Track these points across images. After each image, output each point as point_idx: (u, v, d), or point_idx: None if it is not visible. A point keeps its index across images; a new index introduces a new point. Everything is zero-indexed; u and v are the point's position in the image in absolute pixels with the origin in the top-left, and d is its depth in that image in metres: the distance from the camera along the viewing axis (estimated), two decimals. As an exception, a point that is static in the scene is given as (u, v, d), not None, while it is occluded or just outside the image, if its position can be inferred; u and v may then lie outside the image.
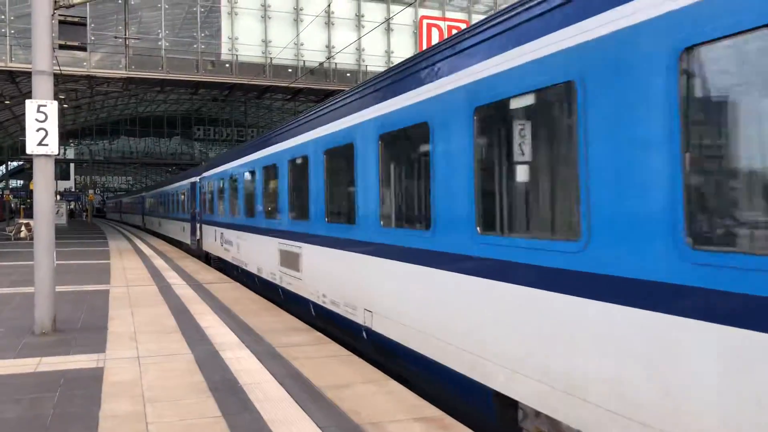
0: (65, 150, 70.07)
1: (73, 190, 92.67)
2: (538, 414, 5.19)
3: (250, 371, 7.38)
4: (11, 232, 35.66)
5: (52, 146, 9.58)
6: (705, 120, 3.88)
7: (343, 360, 7.91)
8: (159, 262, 21.34)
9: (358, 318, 8.50)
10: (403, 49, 36.60)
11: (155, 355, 8.20)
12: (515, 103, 5.46)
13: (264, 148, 14.12)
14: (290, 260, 11.79)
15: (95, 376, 7.19)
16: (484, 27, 5.92)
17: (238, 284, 15.62)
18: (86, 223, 65.49)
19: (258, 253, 14.67)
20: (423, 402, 6.23)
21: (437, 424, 5.60)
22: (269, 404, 6.16)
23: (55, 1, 9.82)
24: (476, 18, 35.97)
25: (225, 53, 34.78)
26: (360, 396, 6.41)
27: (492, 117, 5.78)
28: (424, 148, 6.80)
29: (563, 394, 4.62)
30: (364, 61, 36.58)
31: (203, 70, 34.85)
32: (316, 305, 10.47)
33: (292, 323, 10.39)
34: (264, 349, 8.53)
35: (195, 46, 34.83)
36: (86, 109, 58.90)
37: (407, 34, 37.17)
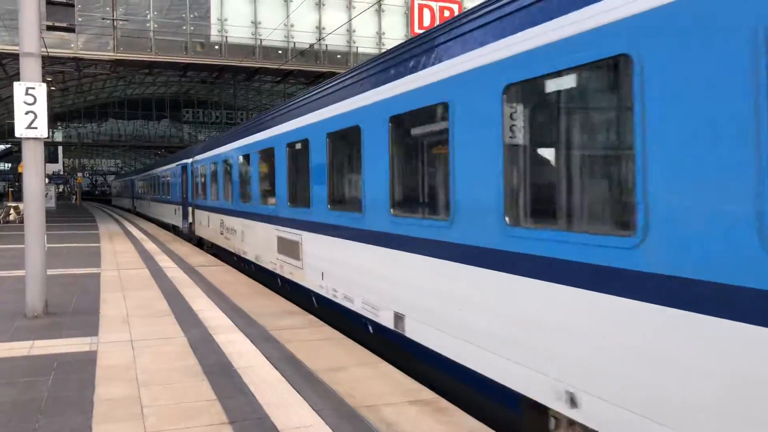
0: (53, 133, 69.46)
1: (61, 173, 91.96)
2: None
3: (244, 354, 7.39)
4: (0, 215, 35.40)
5: (42, 129, 9.48)
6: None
7: (337, 343, 7.93)
8: (150, 246, 21.26)
9: None
10: (395, 31, 36.38)
11: (148, 338, 8.18)
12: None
13: None
14: None
15: (89, 360, 7.17)
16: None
17: (229, 267, 15.58)
18: (75, 206, 65.09)
19: None
20: (418, 385, 6.26)
21: (432, 407, 5.63)
22: (264, 387, 6.17)
23: (43, -19, 9.68)
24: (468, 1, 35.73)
25: (214, 35, 34.48)
26: (355, 379, 6.44)
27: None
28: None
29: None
30: (355, 42, 36.35)
31: (192, 52, 34.55)
32: None
33: (285, 306, 10.39)
34: (257, 332, 8.53)
35: (184, 27, 34.48)
36: (74, 92, 58.33)
37: (399, 14, 36.93)
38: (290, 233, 11.18)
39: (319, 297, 9.94)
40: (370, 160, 7.76)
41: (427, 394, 6.00)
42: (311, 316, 9.57)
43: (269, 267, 12.80)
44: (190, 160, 24.09)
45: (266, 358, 7.22)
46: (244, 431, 5.04)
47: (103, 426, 5.16)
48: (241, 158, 15.16)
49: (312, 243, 10.05)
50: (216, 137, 20.35)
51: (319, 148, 9.63)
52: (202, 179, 21.17)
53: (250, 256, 14.61)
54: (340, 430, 5.08)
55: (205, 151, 20.87)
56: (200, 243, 22.53)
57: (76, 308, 10.25)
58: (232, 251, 16.63)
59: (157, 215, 36.23)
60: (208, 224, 20.39)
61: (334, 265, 9.07)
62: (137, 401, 5.75)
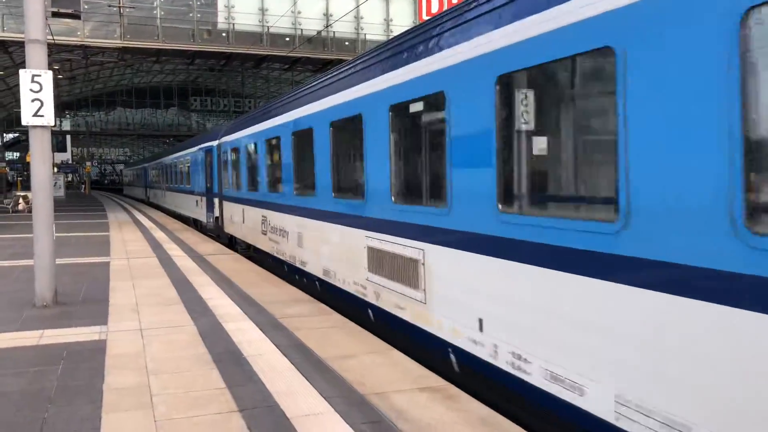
0: (61, 122, 69.60)
1: (70, 161, 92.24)
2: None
3: (253, 342, 7.36)
4: (9, 204, 35.55)
5: (48, 117, 9.44)
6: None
7: (347, 331, 7.89)
8: (159, 234, 21.29)
9: None
10: (402, 18, 36.12)
11: (157, 327, 8.17)
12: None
13: None
14: None
15: (98, 349, 7.16)
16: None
17: (238, 255, 15.57)
18: (84, 195, 65.31)
19: None
20: (428, 372, 6.21)
21: (442, 394, 5.58)
22: (273, 375, 6.14)
23: (48, -32, 9.61)
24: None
25: (221, 22, 34.36)
26: (364, 366, 6.39)
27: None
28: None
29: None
30: (362, 29, 36.14)
31: (199, 40, 34.44)
32: None
33: (293, 294, 10.36)
34: (266, 319, 8.50)
35: (191, 14, 34.35)
36: (81, 80, 58.35)
37: (406, 1, 36.65)
38: (397, 244, 7.25)
39: (464, 356, 6.09)
40: (663, 107, 3.85)
41: (437, 381, 5.96)
42: (321, 304, 9.53)
43: (350, 290, 8.84)
44: (215, 143, 20.05)
45: (275, 345, 7.19)
46: (254, 419, 5.01)
47: (113, 415, 5.15)
48: (296, 136, 11.13)
49: (452, 265, 6.19)
50: (255, 111, 15.93)
51: (476, 104, 5.63)
52: (235, 165, 16.84)
53: (312, 269, 10.67)
54: (349, 417, 5.04)
55: (238, 130, 16.59)
56: (232, 243, 18.52)
57: (86, 297, 10.26)
58: (282, 258, 12.60)
59: (174, 207, 31.92)
60: (243, 220, 16.14)
61: (520, 311, 5.18)
62: (147, 390, 5.73)
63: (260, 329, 7.96)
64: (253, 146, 14.62)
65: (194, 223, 25.66)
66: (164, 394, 5.63)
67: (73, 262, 14.31)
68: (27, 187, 40.94)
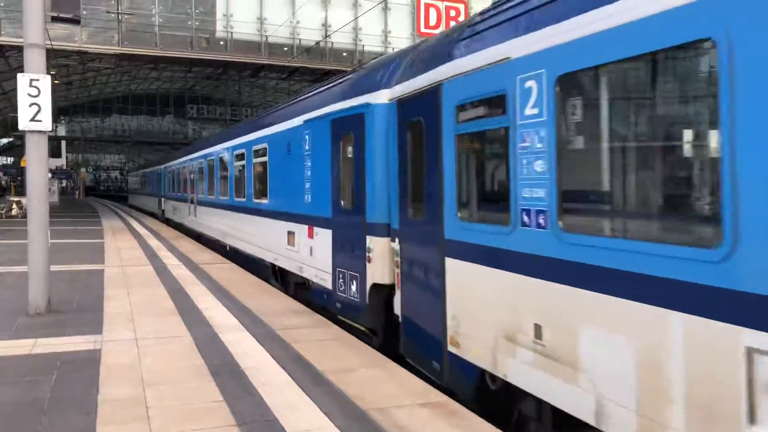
0: (56, 127, 69.42)
1: (64, 167, 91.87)
2: None
3: (251, 354, 7.25)
4: (2, 210, 35.32)
5: (46, 122, 9.35)
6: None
7: (345, 343, 7.78)
8: (154, 242, 21.13)
9: None
10: (401, 30, 36.21)
11: (153, 337, 8.05)
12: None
13: None
14: None
15: (92, 359, 7.04)
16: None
17: (234, 265, 15.45)
18: (78, 200, 65.00)
19: None
20: (429, 387, 6.12)
21: (443, 410, 5.49)
22: (271, 388, 6.03)
23: (48, -27, 9.52)
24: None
25: (220, 30, 34.32)
26: (364, 380, 6.30)
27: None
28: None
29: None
30: (360, 40, 36.19)
31: (197, 48, 34.40)
32: None
33: (291, 305, 10.25)
34: (264, 331, 8.39)
35: (189, 22, 34.32)
36: (77, 86, 58.18)
37: (405, 13, 36.74)
38: None
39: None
40: None
41: (437, 396, 5.87)
42: (318, 316, 9.43)
43: None
44: (382, 96, 8.15)
45: (273, 358, 7.09)
46: (252, 434, 4.90)
47: (108, 427, 5.03)
48: None
49: None
50: None
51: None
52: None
53: None
54: (350, 434, 4.94)
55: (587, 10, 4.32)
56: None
57: (80, 305, 10.13)
58: None
59: (221, 236, 18.59)
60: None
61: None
62: (142, 402, 5.62)
63: (258, 341, 7.85)
64: None
65: (276, 276, 13.48)
66: (160, 406, 5.52)
67: (68, 269, 14.16)
68: (21, 192, 40.71)
